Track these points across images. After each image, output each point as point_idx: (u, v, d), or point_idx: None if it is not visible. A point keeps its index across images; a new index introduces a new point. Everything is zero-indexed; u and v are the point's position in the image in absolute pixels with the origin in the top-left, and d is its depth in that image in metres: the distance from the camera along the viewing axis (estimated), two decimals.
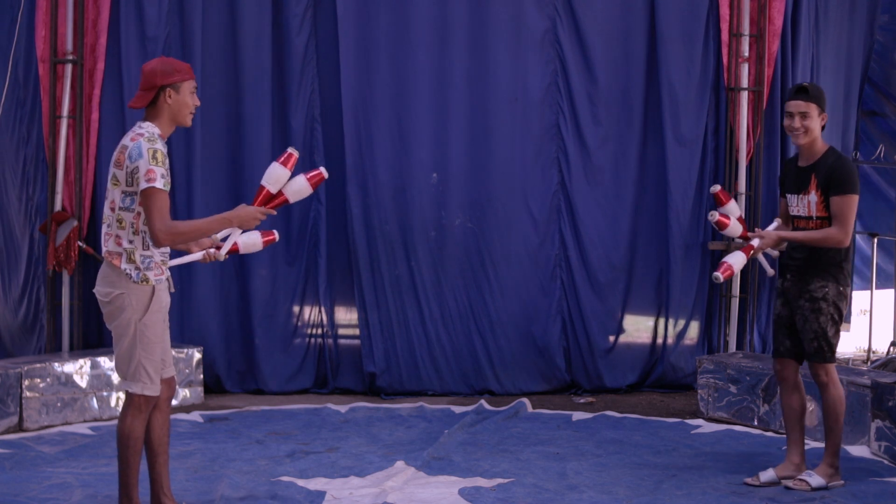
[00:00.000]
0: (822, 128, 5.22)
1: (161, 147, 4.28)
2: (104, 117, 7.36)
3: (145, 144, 4.24)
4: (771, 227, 5.34)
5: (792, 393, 5.34)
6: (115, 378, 6.74)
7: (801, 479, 5.21)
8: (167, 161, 4.30)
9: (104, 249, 4.34)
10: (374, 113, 7.56)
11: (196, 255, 4.64)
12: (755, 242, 5.19)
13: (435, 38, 7.60)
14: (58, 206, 7.24)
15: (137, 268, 4.30)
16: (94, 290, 4.41)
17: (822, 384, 5.24)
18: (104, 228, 4.36)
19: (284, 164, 4.53)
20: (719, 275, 5.08)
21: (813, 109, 5.14)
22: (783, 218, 5.43)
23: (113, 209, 4.31)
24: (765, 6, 7.73)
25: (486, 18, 7.62)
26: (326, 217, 7.62)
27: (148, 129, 4.33)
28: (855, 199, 5.10)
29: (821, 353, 5.19)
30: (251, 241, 4.68)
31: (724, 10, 7.73)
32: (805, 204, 5.18)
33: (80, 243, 7.23)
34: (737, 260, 5.14)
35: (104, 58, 7.31)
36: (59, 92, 7.27)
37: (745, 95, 7.73)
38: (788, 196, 5.29)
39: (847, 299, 5.25)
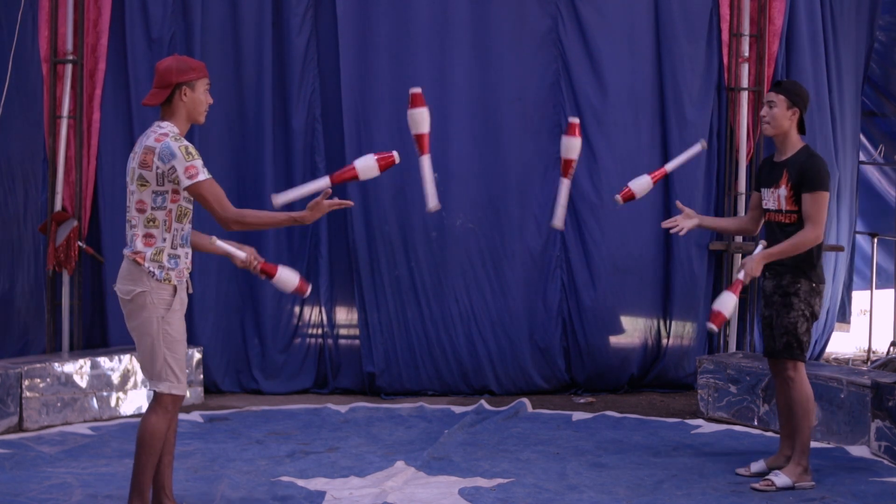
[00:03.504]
0: (800, 126, 5.29)
1: (189, 143, 4.33)
2: (105, 117, 7.36)
3: (174, 143, 4.28)
4: (756, 251, 5.31)
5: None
6: (116, 378, 6.75)
7: (767, 479, 5.22)
8: (198, 152, 4.35)
9: (130, 247, 4.34)
10: (374, 113, 7.56)
11: (240, 255, 4.64)
12: (741, 276, 5.21)
13: (435, 38, 7.59)
14: (58, 206, 7.24)
15: (161, 267, 4.32)
16: (115, 288, 4.41)
17: (788, 380, 5.27)
18: (130, 228, 4.36)
19: (380, 162, 4.69)
20: (713, 326, 5.16)
21: (781, 101, 5.24)
22: (753, 210, 5.56)
23: (142, 210, 4.31)
24: (765, 6, 7.73)
25: (488, 17, 7.61)
26: (327, 217, 7.60)
27: (169, 128, 4.36)
28: (825, 196, 5.16)
29: (789, 349, 5.24)
30: (368, 165, 4.70)
31: (725, 10, 7.72)
32: (776, 198, 5.27)
33: (80, 243, 7.23)
34: (727, 303, 5.16)
35: (105, 58, 7.31)
36: (60, 92, 7.27)
37: (745, 95, 7.73)
38: (762, 190, 5.39)
39: (821, 297, 5.30)
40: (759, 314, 7.90)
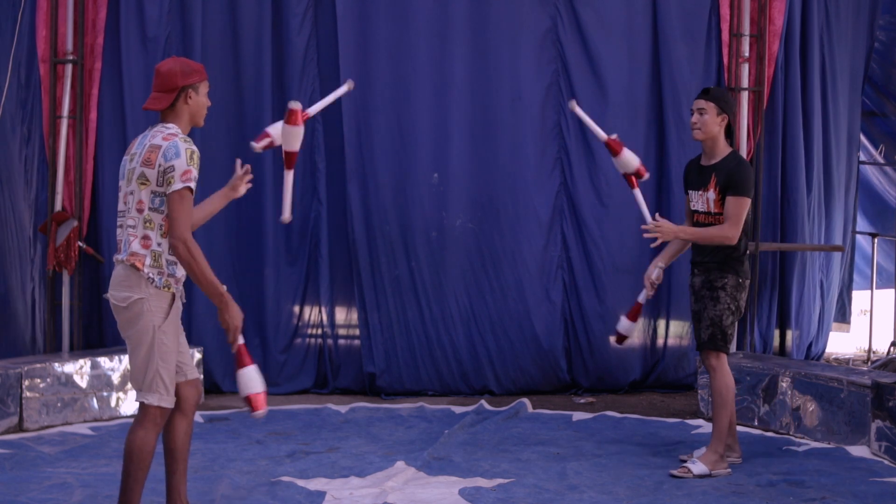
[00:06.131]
0: (729, 132, 5.55)
1: (196, 149, 4.20)
2: (102, 117, 7.37)
3: (182, 144, 4.15)
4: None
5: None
6: (116, 378, 6.74)
7: (684, 467, 5.45)
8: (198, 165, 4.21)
9: (126, 251, 4.18)
10: (374, 113, 7.56)
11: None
12: (662, 221, 5.44)
13: (435, 38, 7.60)
14: (58, 206, 7.24)
15: (161, 272, 4.17)
16: (108, 295, 4.22)
17: (711, 369, 5.54)
18: (126, 230, 4.21)
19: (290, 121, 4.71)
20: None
21: (711, 108, 5.49)
22: (687, 214, 5.76)
23: (141, 210, 4.16)
24: (765, 6, 7.73)
25: (487, 18, 7.62)
26: (327, 217, 7.62)
27: (176, 129, 4.24)
28: (747, 201, 5.42)
29: (713, 340, 5.50)
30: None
31: (725, 10, 7.72)
32: (704, 200, 5.52)
33: (80, 243, 7.23)
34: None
35: (101, 57, 7.31)
36: (59, 92, 7.27)
37: (745, 95, 7.73)
38: (690, 192, 5.63)
39: (746, 291, 5.56)
40: (760, 315, 7.93)
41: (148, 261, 4.16)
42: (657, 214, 5.56)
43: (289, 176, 4.95)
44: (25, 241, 7.62)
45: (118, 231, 4.28)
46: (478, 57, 7.63)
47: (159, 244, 4.18)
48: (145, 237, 4.18)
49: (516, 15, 7.64)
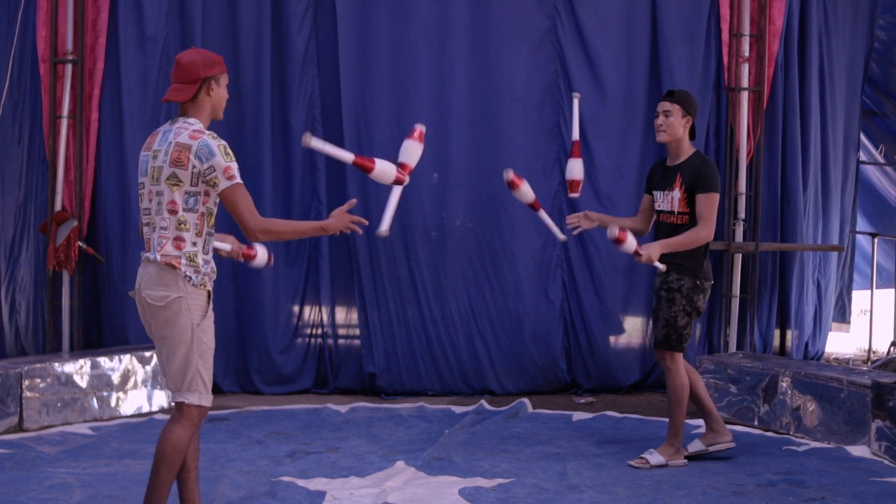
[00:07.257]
0: (692, 133, 5.64)
1: (225, 142, 4.09)
2: (104, 117, 7.37)
3: (212, 142, 4.02)
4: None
5: (689, 376, 5.73)
6: (116, 378, 6.74)
7: (641, 457, 5.63)
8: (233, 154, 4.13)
9: (158, 252, 4.05)
10: (374, 112, 7.56)
11: (226, 247, 4.57)
12: (641, 251, 5.37)
13: (435, 38, 7.61)
14: (58, 206, 7.24)
15: (197, 271, 4.07)
16: (145, 294, 4.08)
17: (665, 369, 5.63)
18: (156, 231, 4.08)
19: (397, 176, 4.72)
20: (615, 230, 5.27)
21: (676, 110, 5.59)
22: (643, 213, 5.84)
23: (174, 211, 4.04)
24: (765, 6, 7.73)
25: (487, 18, 7.63)
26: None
27: (199, 125, 4.12)
28: (716, 197, 5.51)
29: (668, 341, 5.59)
30: (385, 171, 4.71)
31: (725, 10, 7.73)
32: (669, 200, 5.60)
33: (80, 243, 7.23)
34: (629, 243, 5.37)
35: (104, 58, 7.32)
36: (60, 92, 7.27)
37: (745, 95, 7.73)
38: (655, 192, 5.71)
39: (705, 293, 5.62)
40: (760, 315, 7.93)
41: (183, 261, 4.07)
42: (638, 248, 5.38)
43: (397, 190, 5.04)
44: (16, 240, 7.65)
45: (145, 229, 4.18)
46: (478, 57, 7.63)
47: (194, 244, 4.09)
48: (178, 238, 4.07)
49: (516, 15, 7.65)
